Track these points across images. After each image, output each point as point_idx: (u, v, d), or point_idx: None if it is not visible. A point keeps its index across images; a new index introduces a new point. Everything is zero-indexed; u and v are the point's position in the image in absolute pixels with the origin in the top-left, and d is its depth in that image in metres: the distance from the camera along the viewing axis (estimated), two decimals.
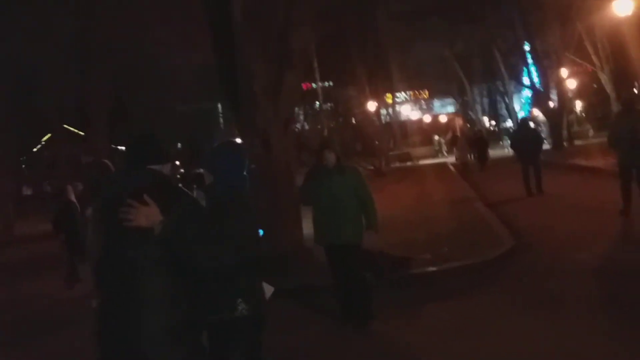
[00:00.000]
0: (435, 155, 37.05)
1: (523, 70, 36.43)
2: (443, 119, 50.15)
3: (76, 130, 26.98)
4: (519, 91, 42.47)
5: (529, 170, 12.88)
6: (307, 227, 8.53)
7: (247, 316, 2.93)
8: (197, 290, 2.63)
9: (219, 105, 28.37)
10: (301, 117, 31.79)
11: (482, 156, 21.76)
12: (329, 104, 32.32)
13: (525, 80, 35.48)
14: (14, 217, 19.05)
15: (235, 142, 3.74)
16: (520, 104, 43.11)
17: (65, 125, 24.68)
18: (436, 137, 40.83)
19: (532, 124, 16.64)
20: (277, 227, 7.90)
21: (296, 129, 24.22)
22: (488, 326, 5.19)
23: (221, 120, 35.53)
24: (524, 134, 13.66)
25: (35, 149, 30.20)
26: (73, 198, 10.20)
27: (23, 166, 30.37)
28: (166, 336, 2.44)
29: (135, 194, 2.51)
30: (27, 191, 29.18)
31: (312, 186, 5.87)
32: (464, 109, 47.71)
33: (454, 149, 24.96)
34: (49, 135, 27.48)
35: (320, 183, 5.75)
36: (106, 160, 4.67)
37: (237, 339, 2.95)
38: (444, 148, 37.62)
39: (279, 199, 8.26)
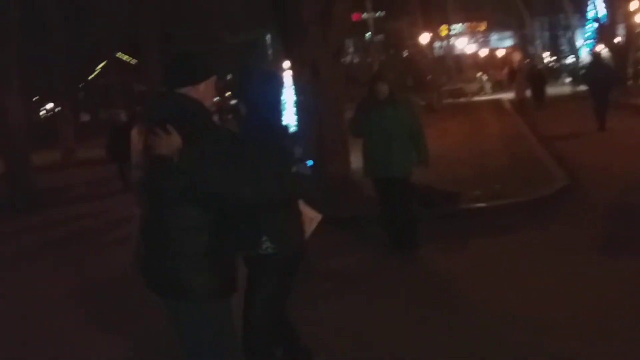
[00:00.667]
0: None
1: (588, 2, 34.29)
2: (500, 53, 48.13)
3: (129, 59, 27.34)
4: (583, 25, 40.13)
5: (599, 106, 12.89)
6: (355, 160, 8.59)
7: (273, 254, 2.85)
8: (222, 224, 2.60)
9: (267, 36, 27.97)
10: (351, 50, 31.09)
11: (539, 93, 20.79)
12: (380, 36, 31.40)
13: (590, 14, 33.39)
14: (75, 142, 19.76)
15: (271, 73, 3.64)
16: (584, 38, 40.83)
17: (118, 54, 25.00)
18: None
19: (604, 60, 15.89)
20: (324, 159, 7.93)
21: (345, 62, 23.74)
22: (534, 263, 5.11)
23: (270, 51, 35.20)
24: (595, 69, 13.56)
25: (90, 77, 30.87)
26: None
27: (80, 93, 31.25)
28: (189, 262, 2.49)
29: (161, 121, 2.47)
30: (84, 117, 30.08)
31: (362, 118, 5.83)
32: (523, 43, 45.59)
33: (512, 85, 23.89)
34: (103, 63, 27.96)
35: (371, 115, 5.70)
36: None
37: (263, 276, 2.89)
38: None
39: (327, 130, 8.23)
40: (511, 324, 3.88)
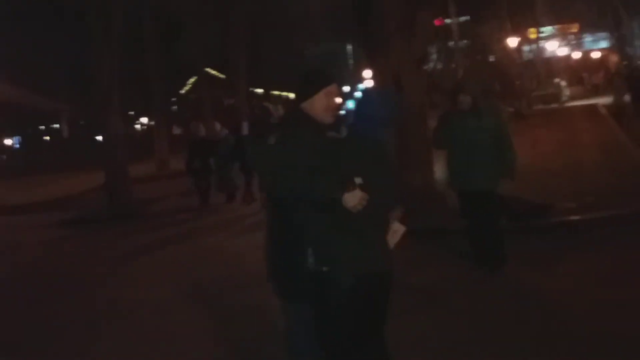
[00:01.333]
0: (584, 96, 33.84)
1: None
2: (595, 55, 45.60)
3: (218, 74, 28.45)
4: None
5: None
6: (440, 170, 8.44)
7: (315, 273, 2.71)
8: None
9: (348, 47, 28.15)
10: (434, 56, 30.62)
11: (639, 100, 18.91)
12: (464, 41, 30.67)
13: None
14: (168, 153, 20.70)
15: (378, 91, 3.97)
16: None
17: (208, 69, 26.05)
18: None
19: None
20: (408, 169, 7.86)
21: (428, 68, 23.41)
22: (628, 280, 4.91)
23: (350, 61, 35.29)
24: None
25: (182, 91, 32.38)
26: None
27: (173, 107, 32.79)
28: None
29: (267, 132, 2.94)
30: (176, 131, 31.55)
31: (445, 130, 5.74)
32: (620, 44, 42.97)
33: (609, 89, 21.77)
34: (194, 78, 29.27)
35: (454, 127, 5.61)
36: (267, 104, 5.15)
37: (330, 299, 2.73)
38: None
39: (411, 140, 8.16)
40: (609, 347, 3.70)
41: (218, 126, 12.64)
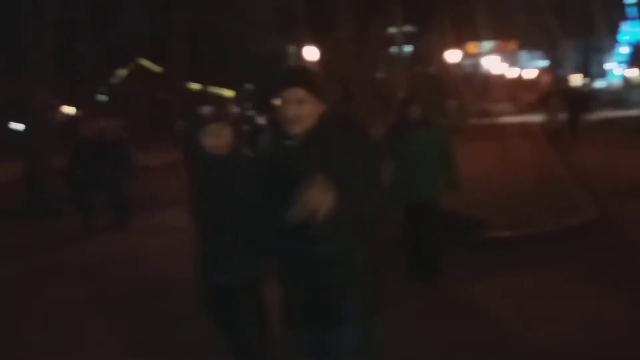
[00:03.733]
0: (518, 113, 34.95)
1: (620, 25, 33.63)
2: (530, 73, 47.35)
3: (153, 66, 27.45)
4: (614, 49, 39.43)
5: None
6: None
7: None
8: None
9: (291, 48, 27.83)
10: (379, 65, 30.79)
11: (575, 121, 18.16)
12: (407, 51, 31.05)
13: (623, 38, 32.68)
14: None
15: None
16: (616, 62, 40.07)
17: (142, 60, 25.12)
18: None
19: None
20: None
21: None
22: (559, 296, 5.18)
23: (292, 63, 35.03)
24: None
25: (112, 81, 31.05)
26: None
27: (102, 97, 31.32)
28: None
29: None
30: (104, 123, 30.06)
31: (394, 140, 5.78)
32: (553, 65, 44.88)
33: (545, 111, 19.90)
34: (127, 69, 28.14)
35: (403, 138, 5.65)
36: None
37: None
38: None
39: None
40: (523, 356, 3.98)
41: (116, 124, 10.53)
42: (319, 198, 2.16)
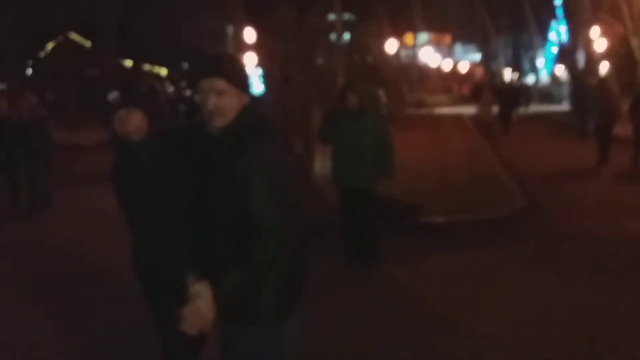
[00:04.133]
0: (452, 104, 35.83)
1: (551, 25, 35.00)
2: (463, 66, 48.66)
3: (82, 40, 26.15)
4: (544, 47, 41.11)
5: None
6: (319, 166, 8.32)
7: None
8: None
9: (229, 29, 27.11)
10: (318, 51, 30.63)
11: (507, 113, 18.94)
12: (345, 39, 31.05)
13: (552, 36, 34.05)
14: None
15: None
16: (545, 60, 41.79)
17: (71, 33, 23.86)
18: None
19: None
20: None
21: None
22: (489, 278, 5.40)
23: (230, 44, 34.08)
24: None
25: (40, 55, 29.42)
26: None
27: (29, 71, 29.67)
28: None
29: None
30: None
31: (332, 126, 5.87)
32: (486, 59, 46.29)
33: (478, 103, 20.23)
34: (54, 42, 26.69)
35: (340, 125, 5.73)
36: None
37: None
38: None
39: (293, 133, 7.91)
40: (459, 336, 4.15)
41: (33, 100, 8.86)
42: (202, 313, 2.05)
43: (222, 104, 2.18)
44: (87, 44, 26.04)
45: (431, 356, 3.89)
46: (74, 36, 25.09)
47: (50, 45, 27.34)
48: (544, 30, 36.74)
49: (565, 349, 3.88)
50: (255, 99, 2.45)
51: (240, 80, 2.25)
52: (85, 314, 4.74)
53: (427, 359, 3.87)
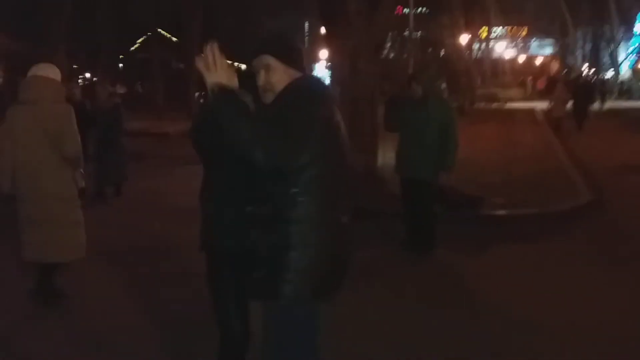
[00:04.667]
0: (526, 99, 35.11)
1: (637, 15, 33.51)
2: (540, 60, 47.30)
3: (170, 36, 27.75)
4: (628, 39, 39.31)
5: None
6: (384, 156, 8.70)
7: None
8: None
9: (306, 23, 27.81)
10: (388, 44, 30.88)
11: (581, 110, 17.87)
12: (418, 33, 31.11)
13: (637, 28, 32.60)
14: None
15: None
16: (627, 53, 39.99)
17: (159, 30, 25.38)
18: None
19: None
20: (353, 151, 8.00)
21: (382, 56, 23.65)
22: (546, 272, 5.33)
23: (307, 37, 34.82)
24: None
25: (130, 49, 31.37)
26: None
27: (120, 65, 31.70)
28: None
29: None
30: (120, 89, 30.66)
31: (395, 115, 5.87)
32: (562, 52, 44.74)
33: (550, 98, 18.69)
34: (144, 37, 28.41)
35: (404, 114, 5.75)
36: None
37: None
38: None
39: (359, 123, 8.27)
40: (512, 326, 4.08)
41: (107, 90, 9.17)
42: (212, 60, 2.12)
43: (271, 80, 2.30)
44: (174, 39, 27.57)
45: (483, 344, 3.80)
46: (162, 31, 26.63)
47: (140, 41, 29.20)
48: (627, 22, 35.21)
49: (619, 345, 3.79)
50: (313, 77, 2.50)
51: (288, 55, 2.33)
52: (161, 285, 4.96)
53: (479, 346, 3.78)
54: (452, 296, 4.70)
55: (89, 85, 10.23)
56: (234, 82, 2.15)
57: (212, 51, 2.13)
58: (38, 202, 4.22)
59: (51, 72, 4.35)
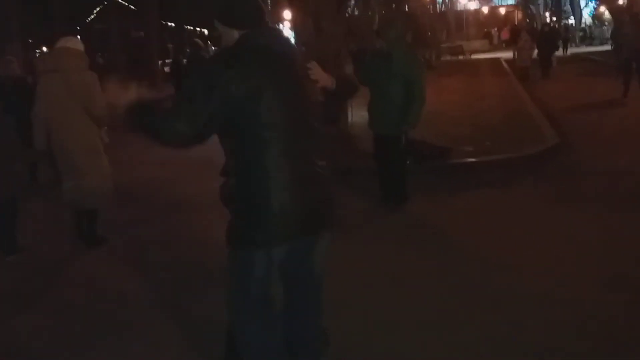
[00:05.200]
0: (491, 50, 35.35)
1: None
2: (503, 10, 47.42)
3: (127, 4, 26.92)
4: None
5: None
6: (355, 114, 8.72)
7: None
8: None
9: None
10: (352, 2, 30.49)
11: (546, 58, 18.11)
12: None
13: None
14: None
15: None
16: (587, 0, 40.32)
17: None
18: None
19: None
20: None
21: (346, 14, 23.34)
22: (517, 213, 5.47)
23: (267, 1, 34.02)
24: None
25: (88, 19, 30.38)
26: None
27: (77, 37, 30.57)
28: None
29: None
30: None
31: (364, 67, 5.82)
32: (525, 2, 44.87)
33: (515, 49, 19.04)
34: (100, 6, 27.55)
35: (368, 69, 5.70)
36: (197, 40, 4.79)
37: None
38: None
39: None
40: (491, 268, 4.19)
41: (15, 66, 7.86)
42: None
43: (222, 43, 2.38)
44: (132, 7, 26.76)
45: (465, 285, 3.91)
46: (119, 0, 25.83)
47: (96, 10, 28.27)
48: None
49: (593, 279, 3.89)
50: (249, 34, 2.30)
51: (226, 17, 2.33)
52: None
53: (461, 287, 3.88)
54: (431, 245, 4.79)
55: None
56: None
57: None
58: (71, 156, 4.91)
59: (77, 43, 5.00)
